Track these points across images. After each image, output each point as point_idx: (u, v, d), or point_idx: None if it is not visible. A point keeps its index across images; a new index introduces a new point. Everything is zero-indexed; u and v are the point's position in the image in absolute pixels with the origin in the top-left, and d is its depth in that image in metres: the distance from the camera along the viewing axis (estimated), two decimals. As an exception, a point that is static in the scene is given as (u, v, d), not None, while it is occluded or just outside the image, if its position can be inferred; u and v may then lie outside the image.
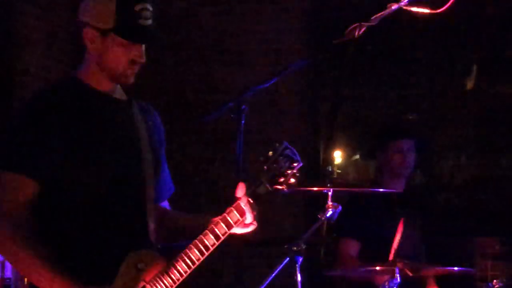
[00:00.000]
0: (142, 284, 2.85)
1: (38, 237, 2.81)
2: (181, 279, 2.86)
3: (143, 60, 2.95)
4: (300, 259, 3.91)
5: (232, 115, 3.46)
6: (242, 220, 2.93)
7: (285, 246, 3.93)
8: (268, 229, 6.89)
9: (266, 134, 6.54)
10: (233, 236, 3.00)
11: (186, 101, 7.05)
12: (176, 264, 2.86)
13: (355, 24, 3.01)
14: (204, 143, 7.01)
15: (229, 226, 2.91)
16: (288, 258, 3.90)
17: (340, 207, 3.99)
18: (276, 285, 4.03)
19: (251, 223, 2.97)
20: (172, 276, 2.85)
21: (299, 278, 3.92)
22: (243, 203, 2.92)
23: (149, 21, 2.92)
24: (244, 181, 2.96)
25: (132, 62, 2.93)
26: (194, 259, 2.86)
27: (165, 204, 3.21)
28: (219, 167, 6.80)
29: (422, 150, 5.13)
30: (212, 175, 6.81)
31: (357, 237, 4.84)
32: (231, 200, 2.94)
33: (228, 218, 2.91)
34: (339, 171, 7.11)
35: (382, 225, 4.61)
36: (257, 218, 2.99)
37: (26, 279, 3.11)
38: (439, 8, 2.95)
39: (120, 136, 2.97)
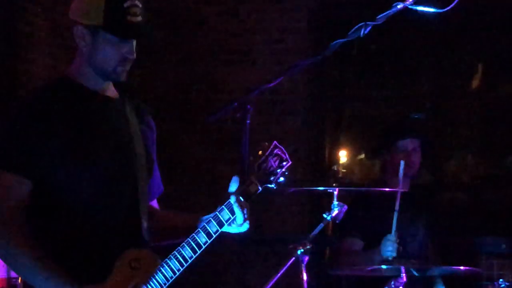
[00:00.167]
0: (135, 282, 2.86)
1: (32, 236, 2.82)
2: (174, 277, 2.89)
3: (134, 57, 2.96)
4: (306, 259, 3.91)
5: (237, 115, 3.46)
6: (233, 219, 2.97)
7: (291, 246, 3.94)
8: (273, 229, 6.92)
9: (270, 134, 6.53)
10: (233, 236, 3.03)
11: (190, 101, 7.05)
12: (169, 262, 2.90)
13: (361, 24, 3.01)
14: (208, 143, 7.01)
15: (221, 224, 2.96)
16: (294, 258, 3.91)
17: (345, 207, 4.00)
18: (282, 285, 4.03)
19: (243, 223, 2.99)
20: (165, 274, 2.89)
21: (305, 277, 3.92)
22: (234, 202, 2.95)
23: (139, 18, 2.92)
24: (239, 175, 3.00)
25: (123, 59, 2.94)
26: (187, 257, 2.90)
27: (154, 203, 3.23)
28: (223, 167, 6.79)
29: (428, 149, 5.12)
30: (217, 175, 6.81)
31: (360, 237, 4.84)
32: (223, 198, 2.98)
33: (220, 216, 2.96)
34: (344, 170, 7.12)
35: (386, 224, 4.60)
36: (249, 216, 3.01)
37: (20, 279, 3.12)
38: (444, 8, 2.94)
39: (112, 134, 2.97)
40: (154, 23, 6.86)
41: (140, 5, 2.93)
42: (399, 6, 2.97)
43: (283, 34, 7.00)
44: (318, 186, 4.29)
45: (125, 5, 2.89)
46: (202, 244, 2.92)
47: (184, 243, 2.92)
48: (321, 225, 4.00)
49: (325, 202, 4.15)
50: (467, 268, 4.42)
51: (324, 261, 6.11)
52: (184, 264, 2.90)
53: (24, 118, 2.88)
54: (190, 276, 2.97)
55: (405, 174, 4.92)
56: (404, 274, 4.20)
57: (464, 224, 6.63)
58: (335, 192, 4.03)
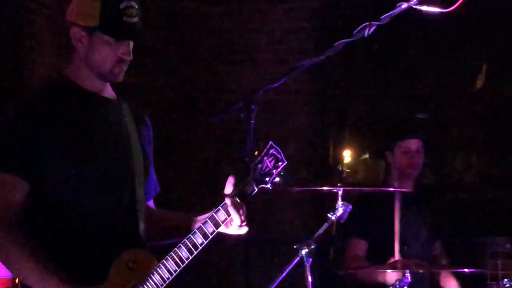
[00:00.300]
0: (133, 283, 2.87)
1: (29, 237, 2.83)
2: (171, 278, 2.91)
3: (130, 58, 2.97)
4: (310, 259, 3.91)
5: (241, 115, 3.46)
6: (229, 219, 2.98)
7: (295, 247, 3.93)
8: (278, 229, 6.92)
9: (274, 134, 6.52)
10: (233, 236, 3.04)
11: (194, 101, 7.05)
12: (166, 263, 2.91)
13: (365, 24, 3.01)
14: (212, 143, 7.01)
15: (217, 225, 2.98)
16: (298, 258, 3.90)
17: (350, 207, 4.00)
18: (286, 285, 4.03)
19: (241, 225, 3.01)
20: (162, 274, 2.90)
21: (309, 278, 3.91)
22: (230, 203, 2.97)
23: (135, 19, 2.94)
24: (237, 174, 3.02)
25: (119, 60, 2.95)
26: (184, 258, 2.92)
27: (151, 203, 3.24)
28: (227, 167, 6.79)
29: (431, 149, 5.11)
30: (221, 175, 6.80)
31: (365, 237, 4.84)
32: (220, 198, 2.99)
33: (216, 217, 2.98)
34: (348, 170, 7.10)
35: (390, 225, 4.59)
36: (246, 217, 3.03)
37: (17, 279, 3.13)
38: (448, 7, 2.94)
39: (109, 135, 2.98)
40: (159, 23, 6.86)
41: (136, 6, 2.95)
42: (403, 6, 2.97)
43: (287, 34, 7.00)
44: (323, 186, 4.29)
45: (121, 6, 2.91)
46: (199, 245, 2.94)
47: (180, 244, 2.94)
48: (326, 225, 4.00)
49: (329, 202, 4.14)
50: (471, 270, 4.43)
51: (328, 261, 6.11)
52: (181, 265, 2.92)
53: (22, 119, 2.89)
54: (194, 276, 2.98)
55: (408, 175, 4.93)
56: (408, 275, 4.21)
57: (468, 224, 6.62)
58: (340, 192, 4.03)
